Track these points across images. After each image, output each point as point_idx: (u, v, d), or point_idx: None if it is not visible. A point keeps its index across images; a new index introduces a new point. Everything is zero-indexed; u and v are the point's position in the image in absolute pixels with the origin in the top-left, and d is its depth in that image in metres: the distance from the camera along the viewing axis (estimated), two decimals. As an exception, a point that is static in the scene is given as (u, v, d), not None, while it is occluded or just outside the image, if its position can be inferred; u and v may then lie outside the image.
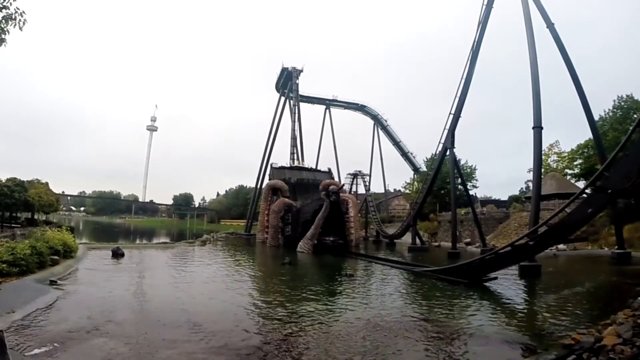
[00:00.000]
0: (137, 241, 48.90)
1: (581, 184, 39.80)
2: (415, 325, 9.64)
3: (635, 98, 39.93)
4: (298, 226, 38.54)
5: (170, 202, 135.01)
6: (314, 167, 55.81)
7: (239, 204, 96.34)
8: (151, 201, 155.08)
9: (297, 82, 62.68)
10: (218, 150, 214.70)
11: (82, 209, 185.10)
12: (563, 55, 26.50)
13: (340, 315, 10.47)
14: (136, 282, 15.50)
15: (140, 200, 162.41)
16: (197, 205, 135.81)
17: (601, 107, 43.64)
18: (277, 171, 51.34)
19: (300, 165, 55.63)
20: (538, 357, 6.94)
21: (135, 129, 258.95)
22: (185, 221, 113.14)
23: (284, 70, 63.45)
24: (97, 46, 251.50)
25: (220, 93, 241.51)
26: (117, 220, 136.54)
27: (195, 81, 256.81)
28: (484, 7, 31.15)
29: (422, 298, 14.12)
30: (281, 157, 60.83)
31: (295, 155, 59.20)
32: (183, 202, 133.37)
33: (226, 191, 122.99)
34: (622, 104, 41.29)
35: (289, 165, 54.38)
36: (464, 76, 31.80)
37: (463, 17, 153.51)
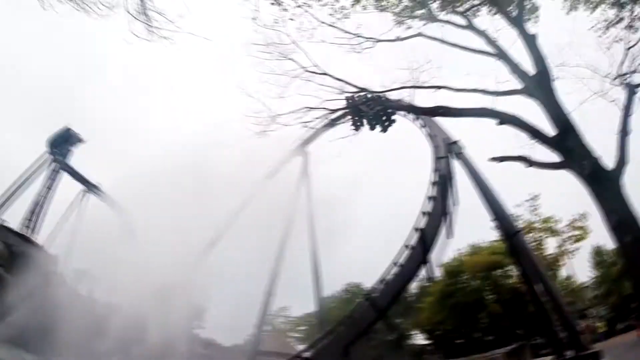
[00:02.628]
0: None
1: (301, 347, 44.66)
2: None
3: (363, 287, 47.46)
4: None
5: None
6: (44, 246, 47.58)
7: None
8: None
9: (71, 148, 56.41)
10: None
11: None
12: (312, 239, 32.11)
13: None
14: None
15: None
16: None
17: (335, 287, 50.98)
18: (0, 230, 42.44)
19: (31, 237, 47.12)
20: None
21: None
22: None
23: (65, 129, 56.34)
24: None
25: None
26: None
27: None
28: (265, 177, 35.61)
29: None
30: (13, 218, 50.53)
31: (32, 224, 50.21)
32: None
33: None
34: (350, 289, 50.88)
35: (18, 231, 45.62)
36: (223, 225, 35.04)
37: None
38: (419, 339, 46.98)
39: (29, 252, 41.17)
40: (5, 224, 44.50)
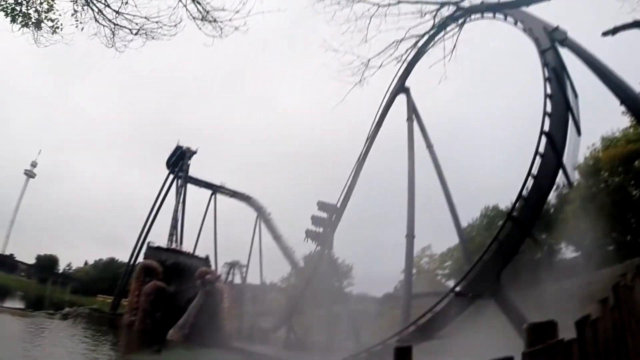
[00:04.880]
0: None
1: (450, 283, 43.90)
2: None
3: (500, 208, 45.56)
4: (170, 312, 36.72)
5: (33, 261, 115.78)
6: (191, 251, 54.14)
7: (107, 278, 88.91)
8: (11, 255, 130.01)
9: (188, 162, 62.07)
10: (93, 215, 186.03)
11: None
12: (437, 171, 30.93)
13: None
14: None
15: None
16: (61, 270, 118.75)
17: (472, 214, 49.04)
18: (153, 251, 48.79)
19: (178, 248, 53.49)
20: None
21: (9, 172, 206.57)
22: (45, 286, 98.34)
23: (177, 148, 62.58)
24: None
25: (105, 156, 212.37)
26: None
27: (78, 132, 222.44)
28: (374, 125, 34.96)
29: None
30: (159, 237, 58.07)
31: (175, 237, 56.88)
32: (46, 264, 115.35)
33: (95, 261, 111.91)
34: (489, 213, 47.05)
35: (166, 247, 51.85)
36: (348, 184, 34.99)
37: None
38: (568, 251, 43.65)
39: (180, 261, 46.47)
40: (154, 245, 50.65)
